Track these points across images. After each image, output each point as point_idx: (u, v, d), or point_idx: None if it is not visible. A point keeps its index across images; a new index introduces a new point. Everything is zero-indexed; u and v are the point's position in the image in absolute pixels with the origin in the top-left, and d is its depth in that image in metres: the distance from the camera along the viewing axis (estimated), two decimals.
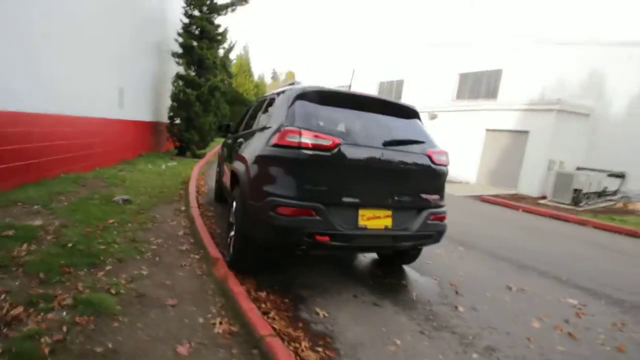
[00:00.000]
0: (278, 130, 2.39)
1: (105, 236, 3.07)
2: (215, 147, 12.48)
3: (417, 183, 2.62)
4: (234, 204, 2.91)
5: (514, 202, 9.34)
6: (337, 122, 2.48)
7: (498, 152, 13.32)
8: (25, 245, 2.57)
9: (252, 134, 2.98)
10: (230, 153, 3.88)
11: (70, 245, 2.74)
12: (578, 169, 11.49)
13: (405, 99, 19.79)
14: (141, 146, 8.53)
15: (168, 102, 9.36)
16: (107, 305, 1.98)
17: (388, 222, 2.50)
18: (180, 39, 8.97)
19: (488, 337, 2.33)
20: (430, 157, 2.65)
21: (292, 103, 2.54)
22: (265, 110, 3.11)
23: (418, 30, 18.81)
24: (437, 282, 3.21)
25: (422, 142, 2.68)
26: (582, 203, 9.38)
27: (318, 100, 2.56)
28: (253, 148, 2.65)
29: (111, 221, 3.54)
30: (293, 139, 2.27)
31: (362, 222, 2.41)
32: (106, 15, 6.17)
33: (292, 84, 3.16)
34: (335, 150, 2.29)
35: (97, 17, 5.87)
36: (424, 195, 2.64)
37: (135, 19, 7.60)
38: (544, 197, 10.48)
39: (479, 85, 16.52)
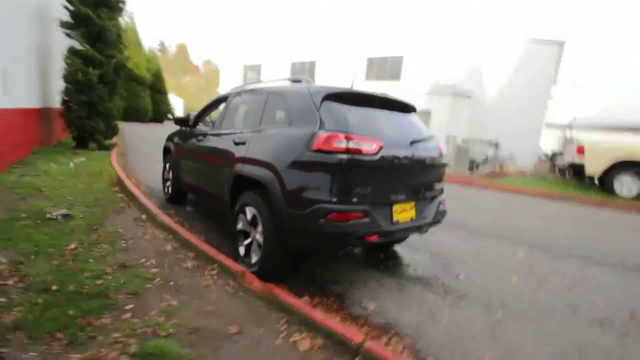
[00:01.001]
0: (315, 134, 2.30)
1: (87, 267, 2.51)
2: (122, 135, 10.68)
3: (433, 175, 2.89)
4: (249, 211, 2.71)
5: None
6: (365, 123, 2.51)
7: None
8: None
9: (265, 136, 2.74)
10: (209, 153, 3.49)
11: (54, 287, 2.16)
12: (463, 141, 13.82)
13: (319, 80, 20.20)
14: (31, 141, 6.77)
15: (59, 83, 7.54)
16: (172, 353, 1.70)
17: (413, 213, 2.71)
18: (71, 7, 7.19)
19: (495, 297, 2.83)
20: (440, 151, 2.94)
21: (320, 104, 2.45)
22: (271, 110, 2.89)
23: (331, 11, 19.05)
24: (429, 257, 3.64)
25: (433, 137, 2.94)
26: (475, 170, 11.46)
27: (343, 100, 2.53)
28: (281, 153, 2.47)
29: (73, 246, 2.87)
30: (339, 144, 2.23)
31: (395, 217, 2.56)
32: None
33: (299, 81, 3.01)
34: (379, 152, 2.35)
35: None
36: (436, 186, 2.94)
37: None
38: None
39: (384, 68, 17.97)
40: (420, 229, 2.78)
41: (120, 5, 8.02)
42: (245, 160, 2.79)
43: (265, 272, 2.58)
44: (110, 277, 2.41)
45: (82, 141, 8.25)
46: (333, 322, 2.03)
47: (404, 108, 3.01)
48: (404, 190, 2.62)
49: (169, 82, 39.21)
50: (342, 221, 2.24)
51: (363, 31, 17.70)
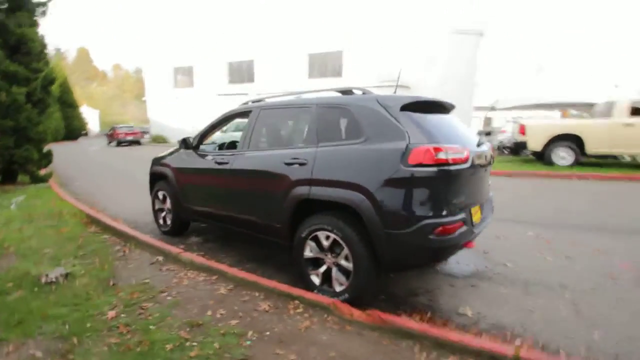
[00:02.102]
0: (410, 148, 2.19)
1: (156, 337, 2.05)
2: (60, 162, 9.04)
3: (489, 173, 2.99)
4: (323, 237, 2.49)
5: None
6: (440, 130, 2.46)
7: None
8: None
9: (335, 154, 2.50)
10: (242, 176, 3.11)
11: None
12: None
13: (259, 80, 19.59)
14: None
15: None
16: None
17: (480, 214, 2.77)
18: None
19: (547, 277, 3.05)
20: (491, 147, 3.05)
21: (399, 116, 2.34)
22: (328, 124, 2.65)
23: (267, 9, 18.45)
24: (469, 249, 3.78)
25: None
26: None
27: (414, 109, 2.45)
28: (369, 171, 2.29)
29: (112, 314, 2.35)
30: (439, 156, 2.16)
31: (474, 219, 2.59)
32: None
33: (349, 91, 2.82)
34: (470, 160, 2.34)
35: None
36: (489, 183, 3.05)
37: None
38: None
39: (326, 65, 18.17)
40: (484, 227, 2.85)
41: (42, 8, 6.69)
42: (312, 182, 2.54)
43: (356, 298, 2.41)
44: (196, 344, 2.00)
45: (10, 175, 6.80)
46: (472, 339, 1.97)
47: (450, 108, 3.04)
48: (477, 192, 2.66)
49: (75, 92, 34.43)
50: (449, 234, 2.19)
51: (303, 27, 17.61)
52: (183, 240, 4.08)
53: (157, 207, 4.35)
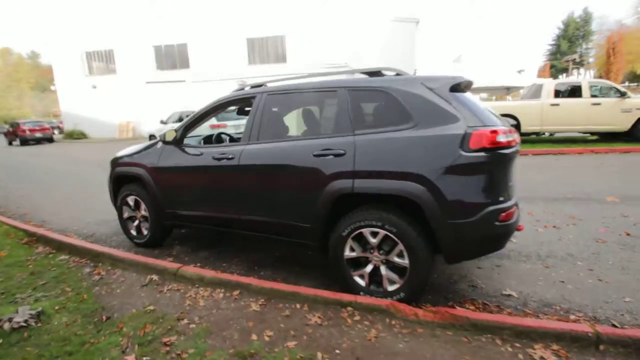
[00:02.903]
0: (470, 132, 2.04)
1: None
2: None
3: None
4: (369, 234, 2.26)
5: None
6: (484, 111, 2.36)
7: None
8: None
9: (380, 142, 2.24)
10: (257, 172, 2.69)
11: None
12: None
13: (196, 66, 17.95)
14: None
15: None
16: None
17: None
18: None
19: (552, 249, 3.24)
20: None
21: (449, 97, 2.18)
22: (364, 109, 2.37)
23: None
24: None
25: None
26: None
27: (458, 90, 2.31)
28: (426, 159, 2.09)
29: (131, 358, 1.84)
30: (500, 139, 2.05)
31: None
32: None
33: (378, 73, 2.53)
34: (518, 142, 2.29)
35: None
36: None
37: None
38: None
39: (267, 51, 17.40)
40: None
41: None
42: (355, 175, 2.27)
43: (413, 296, 2.25)
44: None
45: None
46: (549, 323, 1.95)
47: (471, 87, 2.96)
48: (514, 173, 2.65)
49: None
50: (510, 219, 2.13)
51: (240, 9, 16.48)
52: (166, 252, 3.49)
53: (126, 215, 3.64)
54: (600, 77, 37.76)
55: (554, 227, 3.77)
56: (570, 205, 4.46)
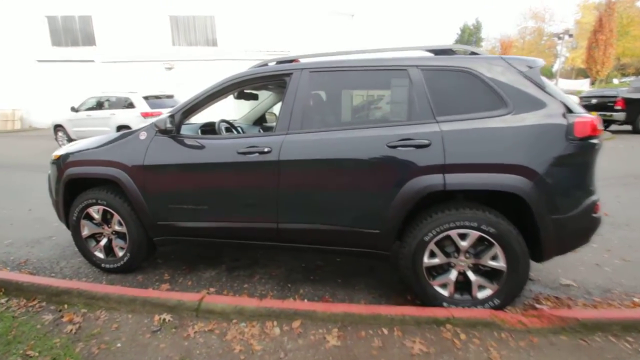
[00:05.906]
0: (573, 120, 1.89)
1: None
2: None
3: None
4: (457, 237, 1.97)
5: None
6: (569, 98, 2.23)
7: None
8: None
9: (471, 131, 1.92)
10: (307, 168, 2.13)
11: None
12: None
13: (103, 43, 15.10)
14: None
15: None
16: None
17: None
18: None
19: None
20: None
21: (541, 80, 1.99)
22: (445, 92, 2.01)
23: None
24: None
25: None
26: None
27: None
28: (530, 149, 1.86)
29: None
30: (600, 127, 1.96)
31: None
32: None
33: (449, 51, 2.19)
34: None
35: None
36: None
37: None
38: None
39: (195, 32, 15.71)
40: None
41: None
42: (446, 169, 1.93)
43: (509, 302, 2.05)
44: None
45: None
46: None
47: None
48: None
49: None
50: (599, 210, 2.06)
51: None
52: (154, 277, 2.69)
53: (86, 232, 2.67)
54: None
55: None
56: None
